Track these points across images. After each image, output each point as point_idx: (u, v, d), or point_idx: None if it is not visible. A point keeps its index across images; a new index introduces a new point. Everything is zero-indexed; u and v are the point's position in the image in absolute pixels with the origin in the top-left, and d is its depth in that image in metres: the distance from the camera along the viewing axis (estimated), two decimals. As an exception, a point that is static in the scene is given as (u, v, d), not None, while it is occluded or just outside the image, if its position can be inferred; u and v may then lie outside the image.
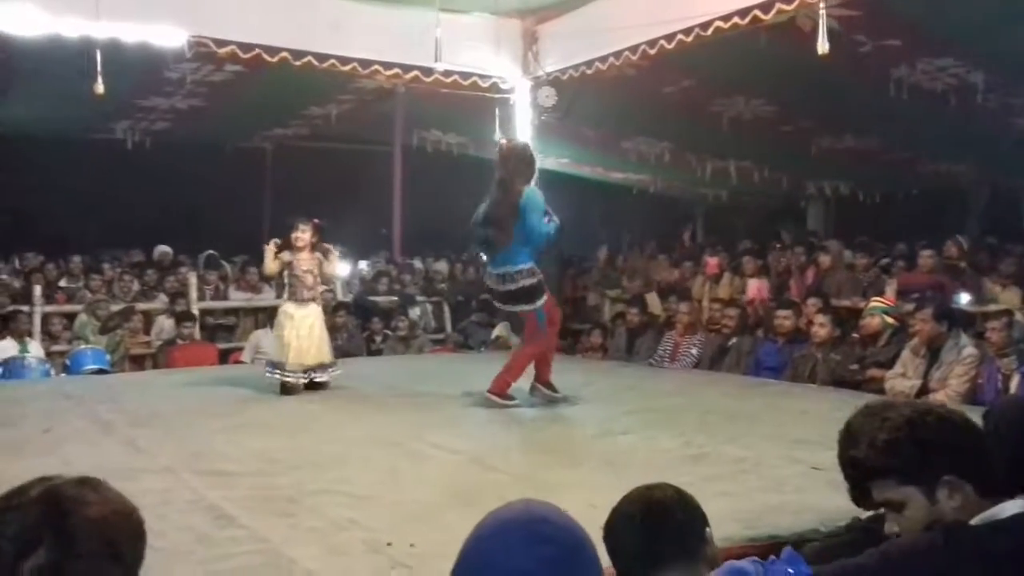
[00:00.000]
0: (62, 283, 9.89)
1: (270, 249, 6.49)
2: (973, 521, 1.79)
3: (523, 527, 1.28)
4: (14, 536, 1.27)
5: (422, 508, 3.47)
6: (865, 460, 1.90)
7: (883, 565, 1.79)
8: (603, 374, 7.33)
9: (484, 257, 5.88)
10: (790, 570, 1.67)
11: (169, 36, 7.00)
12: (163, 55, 7.37)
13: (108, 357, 8.23)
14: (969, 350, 5.95)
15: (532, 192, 5.63)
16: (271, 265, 6.53)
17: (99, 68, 6.54)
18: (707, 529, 1.84)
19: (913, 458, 1.85)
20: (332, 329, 6.68)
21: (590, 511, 3.12)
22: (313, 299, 6.37)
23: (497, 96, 8.62)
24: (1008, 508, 1.77)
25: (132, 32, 6.86)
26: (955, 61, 7.63)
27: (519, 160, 5.72)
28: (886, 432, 1.89)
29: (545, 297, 5.77)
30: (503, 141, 6.23)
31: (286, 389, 6.19)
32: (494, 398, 5.70)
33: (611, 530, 1.83)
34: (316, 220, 6.50)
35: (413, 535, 3.07)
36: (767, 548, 2.88)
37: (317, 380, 6.34)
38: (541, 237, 5.59)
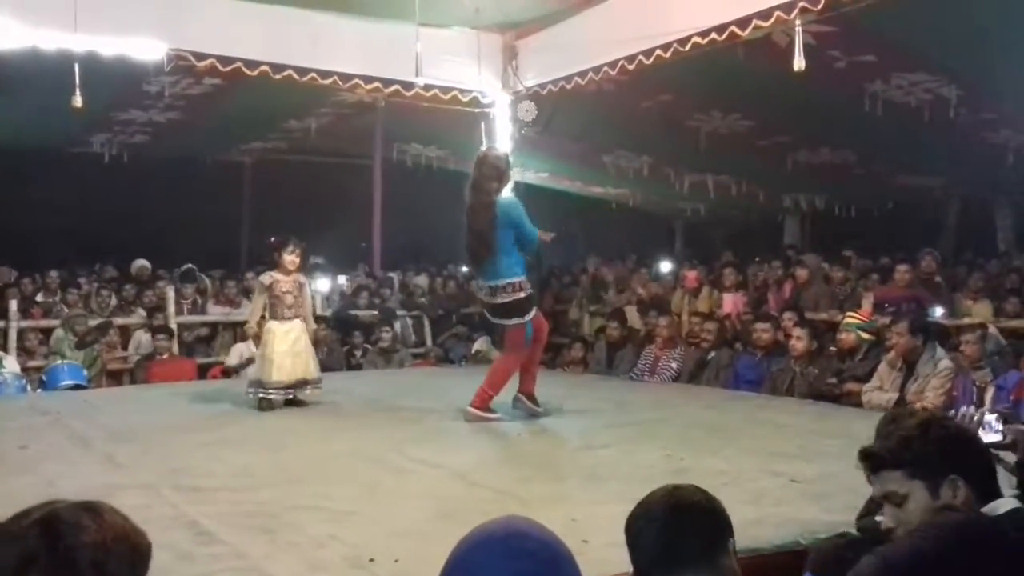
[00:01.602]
0: (38, 298, 9.79)
1: (256, 307, 6.45)
2: None
3: (502, 542, 1.29)
4: (11, 558, 1.29)
5: (403, 523, 3.46)
6: (878, 452, 2.05)
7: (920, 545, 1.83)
8: (584, 388, 7.34)
9: (472, 270, 5.87)
10: None
11: (148, 49, 6.99)
12: (142, 68, 7.35)
13: (85, 372, 8.15)
14: (945, 363, 6.02)
15: (510, 202, 5.74)
16: (257, 313, 6.44)
17: (78, 81, 6.51)
18: (731, 540, 1.76)
19: (924, 454, 1.98)
20: (313, 343, 6.63)
21: (571, 525, 3.14)
22: (296, 316, 6.33)
23: (477, 110, 8.66)
24: (1002, 505, 1.82)
25: (110, 45, 6.84)
26: (928, 76, 7.77)
27: (490, 166, 5.84)
28: (902, 430, 2.05)
29: (535, 311, 5.84)
30: (481, 149, 6.30)
31: (263, 406, 6.15)
32: (476, 412, 5.70)
33: (632, 526, 1.77)
34: (303, 243, 6.50)
35: (394, 551, 3.06)
36: (747, 561, 2.90)
37: (298, 397, 6.30)
38: (534, 243, 5.69)
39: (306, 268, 6.65)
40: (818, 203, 13.06)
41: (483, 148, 6.40)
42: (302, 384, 6.27)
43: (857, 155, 10.39)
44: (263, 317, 6.36)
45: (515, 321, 5.79)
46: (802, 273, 9.08)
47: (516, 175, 9.29)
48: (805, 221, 14.47)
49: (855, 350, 6.79)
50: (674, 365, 8.13)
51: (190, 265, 10.73)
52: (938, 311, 7.74)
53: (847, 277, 9.11)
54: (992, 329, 6.59)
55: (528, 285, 5.77)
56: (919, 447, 1.99)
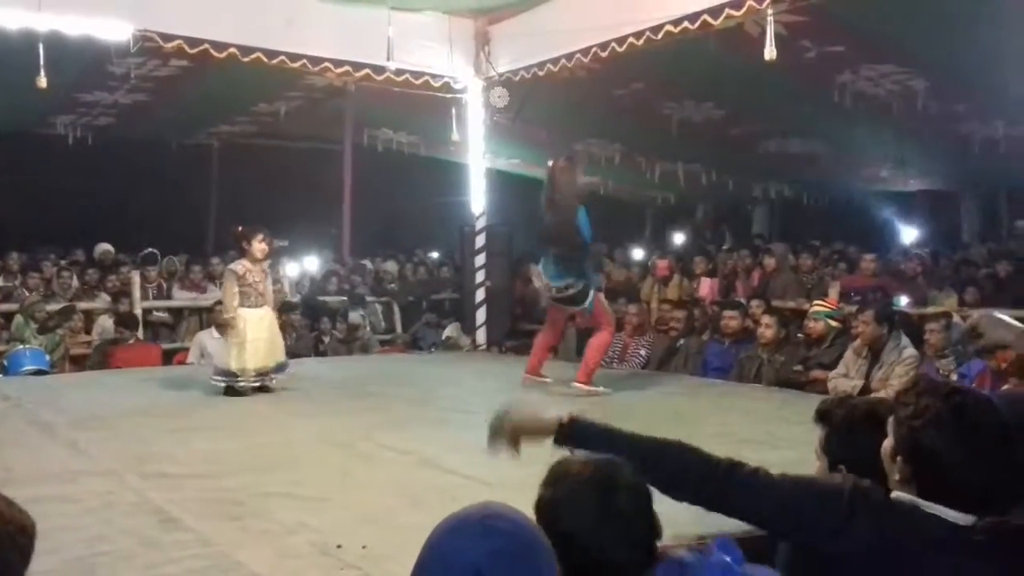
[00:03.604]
0: (-2, 281, 9.62)
1: (232, 294, 6.24)
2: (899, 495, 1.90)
3: (477, 523, 1.31)
4: None
5: (372, 510, 3.44)
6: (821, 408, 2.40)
7: (792, 488, 2.00)
8: (553, 375, 7.34)
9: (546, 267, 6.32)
10: (727, 557, 1.68)
11: (114, 29, 6.86)
12: (107, 49, 7.22)
13: (47, 357, 8.03)
14: (909, 351, 6.10)
15: (582, 211, 6.20)
16: (234, 301, 6.21)
17: (42, 61, 6.38)
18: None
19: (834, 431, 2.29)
20: (281, 328, 6.56)
21: (542, 511, 3.12)
22: (263, 304, 6.27)
23: (449, 96, 8.61)
24: (946, 512, 1.82)
25: (75, 25, 6.71)
26: (897, 67, 7.84)
27: (563, 179, 6.25)
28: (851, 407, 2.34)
29: (591, 295, 6.27)
30: (551, 162, 6.53)
31: (232, 392, 6.09)
32: (583, 387, 6.05)
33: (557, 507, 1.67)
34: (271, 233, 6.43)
35: (363, 537, 3.05)
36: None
37: (267, 384, 6.23)
38: (588, 242, 6.29)
39: (272, 255, 6.56)
40: (787, 192, 13.17)
41: (551, 162, 6.57)
42: (277, 369, 6.23)
43: (826, 145, 10.48)
44: None
45: (575, 308, 6.39)
46: (770, 262, 9.16)
47: (487, 161, 9.33)
48: (774, 210, 14.59)
49: (822, 338, 6.86)
50: (643, 352, 8.16)
51: (151, 249, 10.60)
52: (903, 300, 7.83)
53: (815, 266, 9.20)
54: (956, 318, 6.67)
55: (587, 282, 6.26)
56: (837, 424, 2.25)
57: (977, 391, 2.24)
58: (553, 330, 6.72)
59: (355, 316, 9.73)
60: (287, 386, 6.32)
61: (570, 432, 2.32)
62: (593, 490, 1.67)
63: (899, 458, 1.88)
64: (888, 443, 1.94)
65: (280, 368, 6.28)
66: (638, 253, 12.23)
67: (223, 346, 6.39)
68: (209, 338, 8.20)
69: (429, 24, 8.21)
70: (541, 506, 1.71)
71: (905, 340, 6.23)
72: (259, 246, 6.23)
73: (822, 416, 2.34)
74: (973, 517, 1.79)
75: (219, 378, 6.11)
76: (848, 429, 2.23)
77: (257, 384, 6.14)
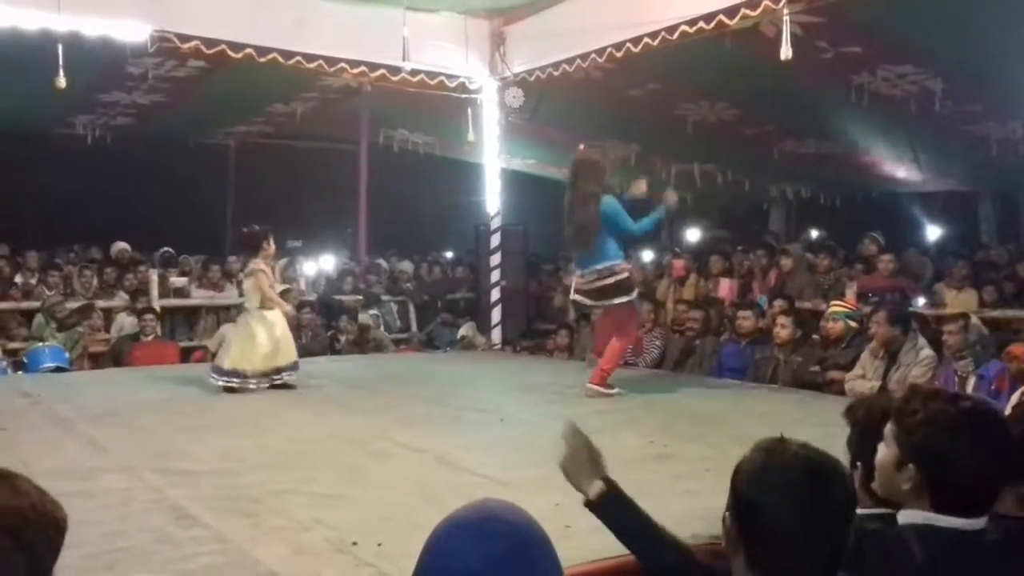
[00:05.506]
0: (17, 279, 9.71)
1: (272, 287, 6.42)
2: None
3: (474, 525, 1.30)
4: None
5: (387, 507, 3.46)
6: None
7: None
8: (569, 374, 7.34)
9: (575, 258, 6.36)
10: None
11: (132, 30, 6.92)
12: (125, 49, 7.28)
13: (67, 355, 8.09)
14: (926, 352, 6.06)
15: (610, 200, 6.08)
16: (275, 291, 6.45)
17: (61, 62, 6.44)
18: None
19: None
20: (297, 328, 6.61)
21: (555, 510, 3.14)
22: (274, 305, 6.34)
23: (464, 96, 8.63)
24: (958, 522, 1.83)
25: (94, 26, 6.78)
26: (914, 68, 7.78)
27: (587, 168, 6.18)
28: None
29: (636, 292, 6.29)
30: (580, 148, 6.51)
31: (232, 391, 6.15)
32: (596, 388, 6.04)
33: (762, 496, 1.63)
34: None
35: (378, 535, 3.06)
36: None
37: (283, 382, 6.27)
38: (638, 232, 6.21)
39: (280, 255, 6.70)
40: (803, 192, 13.09)
41: (580, 147, 6.54)
42: (289, 369, 6.28)
43: (843, 146, 10.42)
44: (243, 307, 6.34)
45: (622, 300, 6.13)
46: (787, 262, 9.11)
47: (502, 161, 9.34)
48: (791, 210, 14.50)
49: (840, 339, 6.82)
50: (658, 343, 8.18)
51: (167, 249, 10.67)
52: (920, 301, 7.78)
53: (831, 266, 9.13)
54: (975, 319, 6.62)
55: (627, 267, 6.21)
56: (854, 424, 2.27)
57: (976, 395, 2.24)
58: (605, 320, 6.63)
59: (365, 317, 9.73)
60: (302, 384, 6.36)
61: (596, 510, 2.27)
62: (807, 472, 1.64)
63: (910, 466, 1.87)
64: (890, 453, 1.92)
65: (288, 369, 6.32)
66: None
67: (232, 339, 6.44)
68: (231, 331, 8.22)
69: (444, 24, 8.23)
70: (744, 467, 1.69)
71: (922, 341, 6.20)
72: (272, 247, 6.42)
73: (847, 413, 2.35)
74: (983, 520, 1.80)
75: (215, 375, 6.18)
76: (867, 428, 2.21)
77: (266, 385, 6.19)
